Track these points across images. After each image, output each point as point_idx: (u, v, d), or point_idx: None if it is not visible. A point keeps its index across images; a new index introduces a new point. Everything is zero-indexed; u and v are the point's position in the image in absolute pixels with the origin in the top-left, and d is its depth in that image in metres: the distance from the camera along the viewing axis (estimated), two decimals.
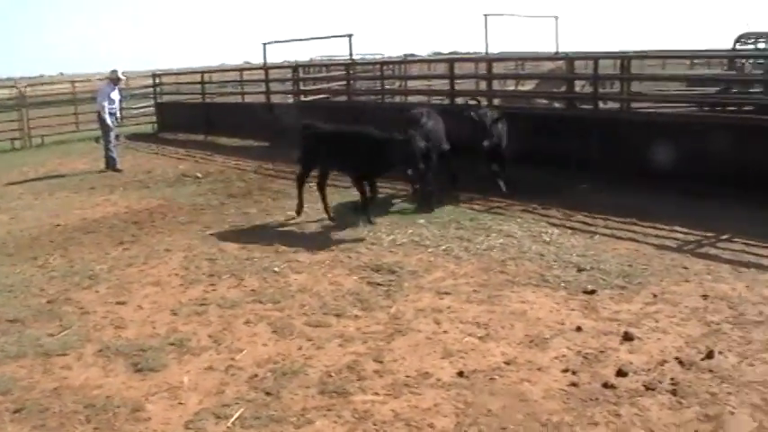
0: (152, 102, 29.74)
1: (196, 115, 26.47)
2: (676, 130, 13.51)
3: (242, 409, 6.33)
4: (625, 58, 15.49)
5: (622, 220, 11.67)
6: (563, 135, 14.90)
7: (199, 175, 18.40)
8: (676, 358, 6.88)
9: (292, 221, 12.75)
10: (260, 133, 23.09)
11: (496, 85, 20.84)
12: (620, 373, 6.61)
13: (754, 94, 16.90)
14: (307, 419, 6.15)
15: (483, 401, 6.28)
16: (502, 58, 24.26)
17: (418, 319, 8.12)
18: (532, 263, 9.77)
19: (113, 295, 9.42)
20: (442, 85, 20.56)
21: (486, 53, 20.67)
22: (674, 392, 6.26)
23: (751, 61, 22.05)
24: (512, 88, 24.65)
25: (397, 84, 25.62)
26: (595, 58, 15.96)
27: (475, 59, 22.65)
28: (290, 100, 24.47)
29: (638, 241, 10.57)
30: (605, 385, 6.42)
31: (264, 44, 26.68)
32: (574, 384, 6.49)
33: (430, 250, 10.54)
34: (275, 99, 24.34)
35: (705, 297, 8.34)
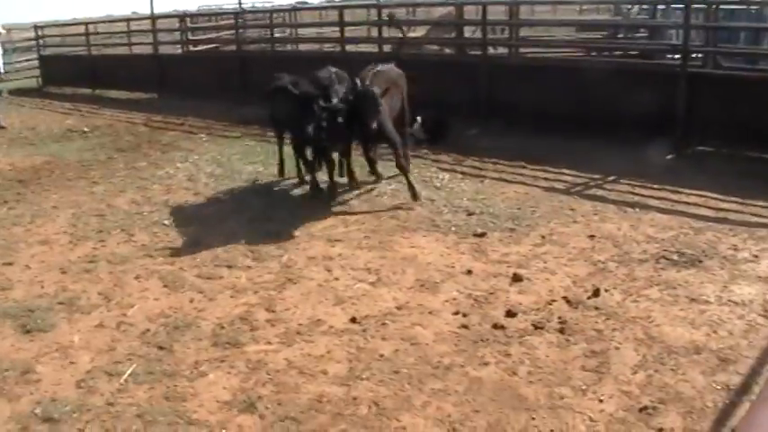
0: (35, 55, 28.80)
1: (82, 68, 25.73)
2: (564, 74, 13.68)
3: (134, 366, 6.27)
4: (514, 4, 15.58)
5: (511, 163, 11.84)
6: (453, 81, 14.96)
7: (86, 129, 17.95)
8: (564, 297, 7.05)
9: (181, 174, 12.56)
10: (148, 85, 22.63)
11: (386, 32, 20.73)
12: (510, 314, 6.75)
13: (639, 40, 17.28)
14: (200, 372, 6.13)
15: (375, 346, 6.35)
16: (393, 4, 24.16)
17: (309, 268, 8.13)
18: (423, 208, 9.84)
19: None
20: (333, 32, 20.39)
21: (378, 0, 20.58)
22: (561, 331, 6.42)
23: (636, 8, 22.42)
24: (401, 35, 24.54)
25: (288, 32, 25.31)
26: (484, 3, 16.01)
27: (366, 6, 22.50)
28: (179, 51, 24.02)
29: (527, 184, 10.74)
30: (495, 326, 6.55)
31: None
32: (464, 326, 6.60)
33: (320, 198, 10.53)
34: (163, 50, 23.84)
35: (592, 237, 8.54)
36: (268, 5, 38.19)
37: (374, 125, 9.74)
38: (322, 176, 10.72)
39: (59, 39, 30.39)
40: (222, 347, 6.50)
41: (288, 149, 11.34)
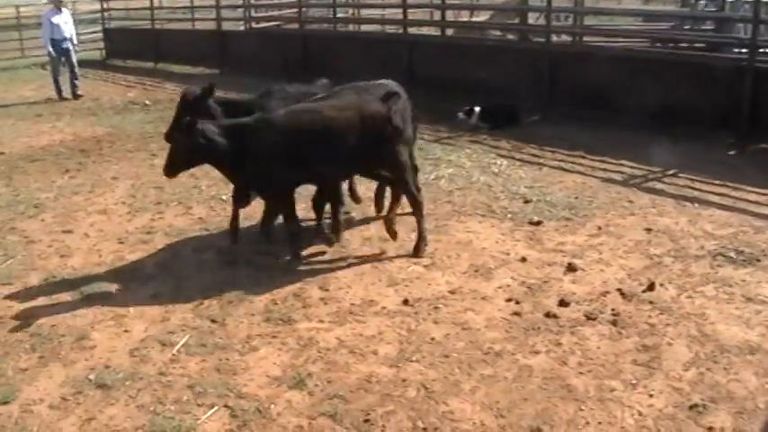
0: (100, 28, 29.10)
1: (145, 42, 25.98)
2: (627, 64, 13.52)
3: (187, 337, 6.36)
4: None
5: (570, 153, 11.75)
6: (515, 67, 14.88)
7: (147, 102, 18.15)
8: (618, 290, 6.99)
9: None
10: (210, 61, 22.78)
11: (450, 15, 20.64)
12: (563, 304, 6.72)
13: (706, 32, 16.97)
14: (252, 346, 6.19)
15: (426, 329, 6.36)
16: None
17: (365, 248, 8.16)
18: (480, 194, 9.82)
19: (59, 224, 9.33)
20: (396, 14, 20.35)
21: None
22: (614, 323, 6.37)
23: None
24: (465, 19, 24.42)
25: (351, 12, 25.29)
26: None
27: None
28: (242, 27, 24.13)
29: (585, 174, 10.65)
30: (547, 315, 6.52)
31: None
32: (516, 314, 6.59)
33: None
34: (226, 26, 23.98)
35: (648, 230, 8.44)
36: None
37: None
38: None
39: (124, 12, 30.68)
40: (274, 323, 6.56)
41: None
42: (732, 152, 11.49)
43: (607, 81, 13.39)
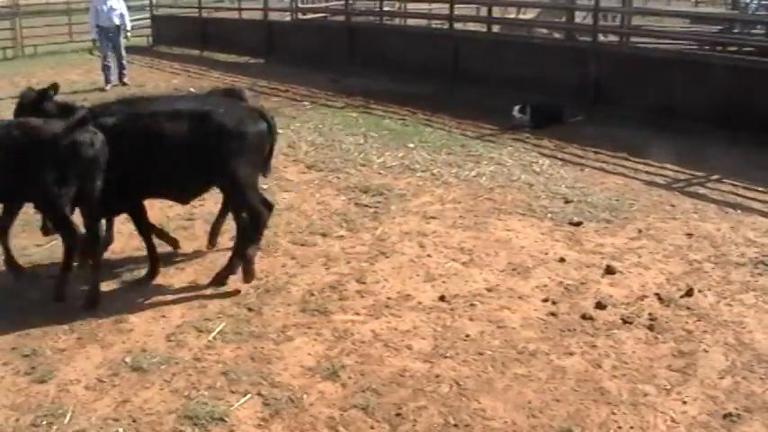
0: (147, 14, 29.33)
1: (192, 30, 26.16)
2: (675, 66, 13.41)
3: (223, 324, 6.39)
4: None
5: (613, 154, 11.68)
6: (561, 66, 14.80)
7: (192, 89, 18.19)
8: (656, 294, 6.94)
9: (282, 140, 12.68)
10: (256, 51, 22.90)
11: (497, 11, 20.62)
12: (600, 306, 6.68)
13: (756, 36, 16.78)
14: (287, 336, 6.22)
15: (462, 326, 6.36)
16: None
17: (403, 242, 8.17)
18: (520, 192, 9.79)
19: None
20: (441, 9, 20.32)
21: None
22: (650, 327, 6.33)
23: (756, 2, 21.82)
24: (512, 16, 24.36)
25: (397, 6, 25.30)
26: None
27: None
28: (288, 18, 24.23)
29: (627, 176, 10.59)
30: (584, 317, 6.49)
31: None
32: (552, 314, 6.56)
33: (419, 174, 10.55)
34: (273, 16, 24.07)
35: (689, 235, 8.37)
36: None
37: None
38: None
39: None
40: (310, 314, 6.58)
41: None
42: None
43: (653, 83, 13.28)
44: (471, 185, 10.03)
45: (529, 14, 23.12)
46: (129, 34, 19.62)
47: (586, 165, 11.16)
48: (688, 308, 6.67)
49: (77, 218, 6.81)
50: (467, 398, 5.37)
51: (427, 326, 6.38)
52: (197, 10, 26.59)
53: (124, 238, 8.37)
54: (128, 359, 5.89)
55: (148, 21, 28.95)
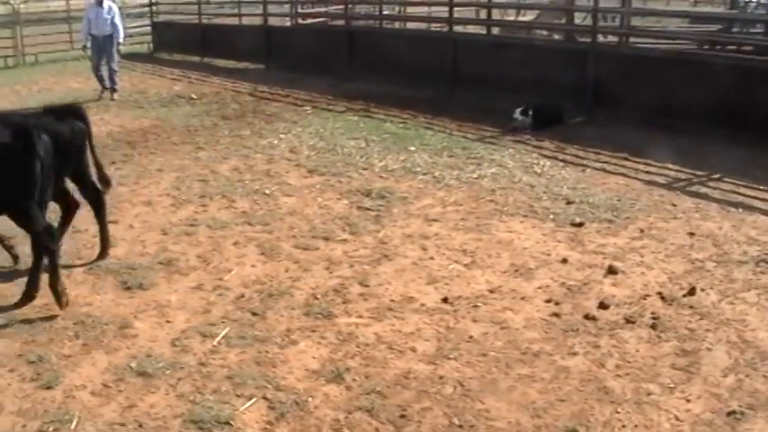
0: (148, 21, 29.38)
1: (192, 36, 26.19)
2: (674, 66, 13.43)
3: (228, 329, 6.41)
4: None
5: (614, 154, 11.70)
6: (560, 67, 14.82)
7: (193, 96, 18.30)
8: (658, 293, 6.96)
9: (284, 145, 12.73)
10: (256, 56, 22.93)
11: (496, 14, 20.63)
12: (602, 306, 6.70)
13: (755, 35, 16.79)
14: (291, 340, 6.24)
15: (465, 327, 6.38)
16: None
17: (405, 245, 8.19)
18: (522, 193, 9.81)
19: None
20: (442, 11, 20.34)
21: None
22: (653, 327, 6.34)
23: (755, 1, 21.83)
24: (512, 18, 24.39)
25: (397, 9, 25.34)
26: None
27: None
28: (288, 23, 24.27)
29: (628, 176, 10.60)
30: (586, 317, 6.51)
31: None
32: (555, 315, 6.58)
33: (420, 177, 10.58)
34: (273, 22, 24.10)
35: (691, 235, 8.39)
36: None
37: None
38: None
39: (172, 6, 30.92)
40: (314, 317, 6.60)
41: None
42: None
43: (653, 83, 13.30)
44: (473, 187, 10.05)
45: (528, 16, 23.17)
46: (121, 47, 19.21)
47: (587, 165, 11.17)
48: (691, 307, 6.68)
49: None
50: (471, 399, 5.39)
51: (430, 328, 6.39)
52: (197, 16, 26.64)
53: (128, 243, 8.41)
54: (133, 364, 5.90)
55: (149, 27, 29.01)
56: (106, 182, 7.99)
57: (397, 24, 23.46)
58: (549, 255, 7.88)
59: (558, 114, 13.72)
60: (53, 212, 7.66)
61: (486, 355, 5.96)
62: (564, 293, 6.99)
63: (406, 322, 6.50)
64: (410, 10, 24.84)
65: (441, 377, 5.66)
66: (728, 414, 5.17)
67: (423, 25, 22.83)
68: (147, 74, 23.03)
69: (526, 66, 15.13)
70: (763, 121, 11.80)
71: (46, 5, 35.19)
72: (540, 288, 7.11)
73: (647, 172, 10.79)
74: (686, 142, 11.89)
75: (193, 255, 8.09)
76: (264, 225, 8.86)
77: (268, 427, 5.14)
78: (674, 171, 10.82)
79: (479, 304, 6.78)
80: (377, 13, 21.52)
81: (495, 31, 18.23)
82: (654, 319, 6.47)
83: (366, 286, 7.21)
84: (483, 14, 18.87)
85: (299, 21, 23.81)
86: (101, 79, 18.69)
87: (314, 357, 5.98)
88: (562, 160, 11.47)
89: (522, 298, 6.92)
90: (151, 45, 28.71)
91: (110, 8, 18.25)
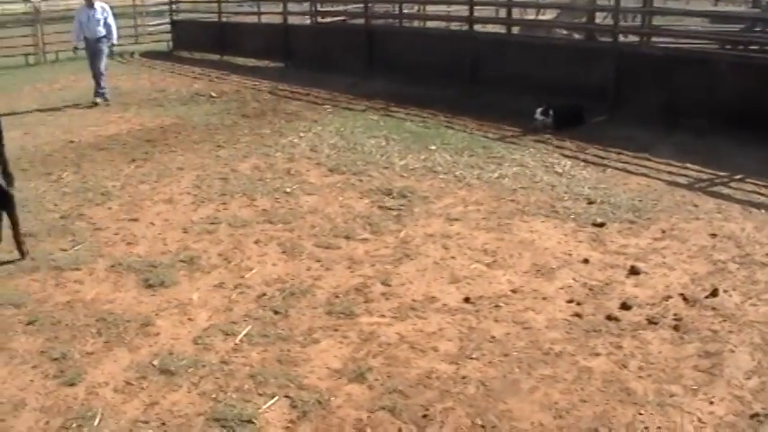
0: (167, 19, 29.46)
1: (212, 34, 26.25)
2: (696, 66, 13.36)
3: (249, 327, 6.43)
4: None
5: (635, 154, 11.64)
6: (581, 67, 14.77)
7: (213, 94, 18.35)
8: (681, 294, 6.92)
9: (304, 144, 12.74)
10: (276, 54, 22.97)
11: (516, 13, 20.57)
12: (624, 307, 6.68)
13: None
14: (313, 339, 6.25)
15: (487, 328, 6.37)
16: None
17: (427, 245, 8.18)
18: (543, 193, 9.79)
19: (125, 212, 9.50)
20: (462, 10, 20.30)
21: None
22: (676, 328, 6.31)
23: None
24: (532, 17, 24.32)
25: (416, 8, 25.30)
26: None
27: None
28: (308, 21, 24.30)
29: (649, 177, 10.55)
30: (609, 317, 6.49)
31: None
32: (577, 315, 6.56)
33: (441, 176, 10.57)
34: (292, 20, 24.12)
35: (713, 236, 8.34)
36: None
37: None
38: None
39: (191, 4, 30.99)
40: (336, 317, 6.61)
41: None
42: None
43: (675, 82, 13.25)
44: (494, 187, 10.04)
45: (548, 15, 23.09)
46: (114, 48, 18.84)
47: (608, 165, 11.13)
48: (713, 308, 6.65)
49: None
50: (493, 399, 5.38)
51: (453, 327, 6.39)
52: (216, 14, 26.69)
53: (149, 241, 8.45)
54: (155, 362, 5.93)
55: (168, 26, 29.08)
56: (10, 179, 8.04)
57: (416, 23, 23.42)
58: (570, 255, 7.86)
59: (579, 114, 13.67)
60: None
61: (509, 355, 5.95)
62: (586, 294, 6.97)
63: (429, 322, 6.49)
64: (430, 9, 24.76)
65: (463, 377, 5.65)
66: (752, 417, 5.14)
67: (442, 24, 22.82)
68: (166, 72, 23.12)
69: (546, 65, 15.11)
70: None
71: (66, 3, 35.29)
72: (561, 288, 7.09)
73: (669, 172, 10.74)
74: (707, 142, 11.85)
75: (215, 253, 8.11)
76: (286, 223, 8.88)
77: (290, 425, 5.14)
78: (695, 171, 10.76)
79: (501, 304, 6.77)
80: (396, 11, 21.50)
81: (516, 30, 18.19)
82: (676, 320, 6.44)
83: (388, 286, 7.21)
84: (503, 13, 18.81)
85: (319, 19, 23.81)
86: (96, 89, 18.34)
87: (336, 356, 5.99)
88: (583, 160, 11.43)
89: (544, 298, 6.90)
90: (170, 43, 28.76)
91: (102, 9, 17.76)
